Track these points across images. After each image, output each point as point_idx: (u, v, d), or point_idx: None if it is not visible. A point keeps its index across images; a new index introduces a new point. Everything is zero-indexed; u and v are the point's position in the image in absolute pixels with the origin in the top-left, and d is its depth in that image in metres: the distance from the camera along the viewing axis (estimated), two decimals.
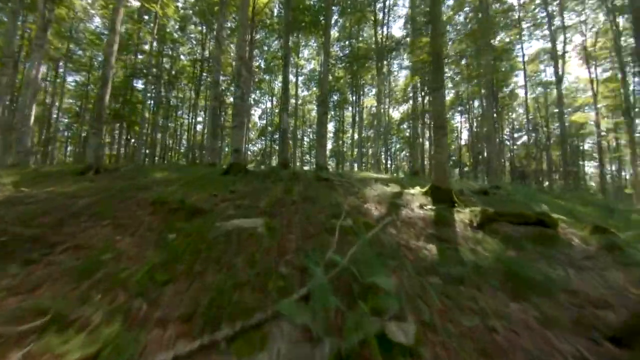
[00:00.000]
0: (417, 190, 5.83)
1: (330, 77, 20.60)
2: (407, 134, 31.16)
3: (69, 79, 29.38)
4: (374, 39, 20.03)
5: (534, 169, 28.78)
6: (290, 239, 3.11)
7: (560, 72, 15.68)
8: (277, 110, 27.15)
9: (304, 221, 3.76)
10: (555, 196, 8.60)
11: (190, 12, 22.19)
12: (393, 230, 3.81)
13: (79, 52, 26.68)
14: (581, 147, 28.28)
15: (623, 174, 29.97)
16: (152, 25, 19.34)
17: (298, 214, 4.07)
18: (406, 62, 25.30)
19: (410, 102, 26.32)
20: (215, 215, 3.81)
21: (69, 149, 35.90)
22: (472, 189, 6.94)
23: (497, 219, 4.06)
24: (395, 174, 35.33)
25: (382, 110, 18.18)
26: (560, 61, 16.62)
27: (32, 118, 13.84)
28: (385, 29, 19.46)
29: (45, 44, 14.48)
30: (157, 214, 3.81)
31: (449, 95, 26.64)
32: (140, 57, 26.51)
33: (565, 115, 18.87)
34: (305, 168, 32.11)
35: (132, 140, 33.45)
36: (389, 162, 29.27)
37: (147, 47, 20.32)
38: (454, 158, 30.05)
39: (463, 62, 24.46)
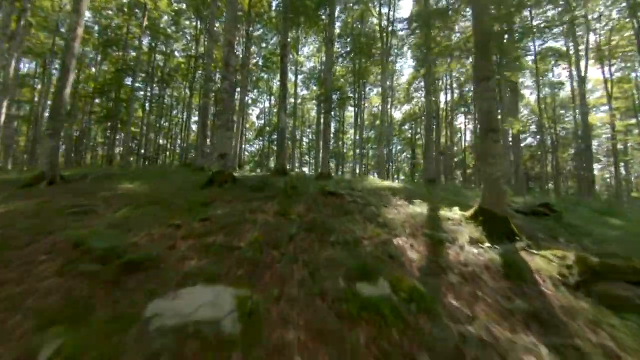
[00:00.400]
0: (457, 213, 4.31)
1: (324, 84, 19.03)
2: (409, 135, 29.73)
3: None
4: (377, 35, 18.49)
5: (539, 172, 27.43)
6: (285, 349, 1.58)
7: (583, 71, 14.22)
8: (275, 110, 25.56)
9: (309, 286, 2.22)
10: (601, 210, 7.11)
11: (184, 5, 20.49)
12: (452, 297, 2.30)
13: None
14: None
15: (630, 177, 28.60)
16: (142, 18, 17.66)
17: (298, 266, 2.54)
18: (411, 61, 23.83)
19: (422, 98, 24.87)
20: (162, 273, 2.27)
21: (63, 147, 34.09)
22: (516, 206, 5.43)
23: (606, 275, 2.55)
24: (395, 176, 33.78)
25: (386, 110, 16.67)
26: (582, 59, 15.10)
27: (2, 117, 12.20)
28: (390, 25, 17.85)
29: (18, 36, 12.83)
30: (69, 271, 2.26)
31: (454, 96, 25.18)
32: (133, 53, 24.91)
33: (578, 117, 17.47)
34: (305, 169, 30.55)
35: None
36: (390, 164, 27.78)
37: (138, 42, 18.60)
38: (456, 160, 28.62)
39: (469, 60, 23.03)
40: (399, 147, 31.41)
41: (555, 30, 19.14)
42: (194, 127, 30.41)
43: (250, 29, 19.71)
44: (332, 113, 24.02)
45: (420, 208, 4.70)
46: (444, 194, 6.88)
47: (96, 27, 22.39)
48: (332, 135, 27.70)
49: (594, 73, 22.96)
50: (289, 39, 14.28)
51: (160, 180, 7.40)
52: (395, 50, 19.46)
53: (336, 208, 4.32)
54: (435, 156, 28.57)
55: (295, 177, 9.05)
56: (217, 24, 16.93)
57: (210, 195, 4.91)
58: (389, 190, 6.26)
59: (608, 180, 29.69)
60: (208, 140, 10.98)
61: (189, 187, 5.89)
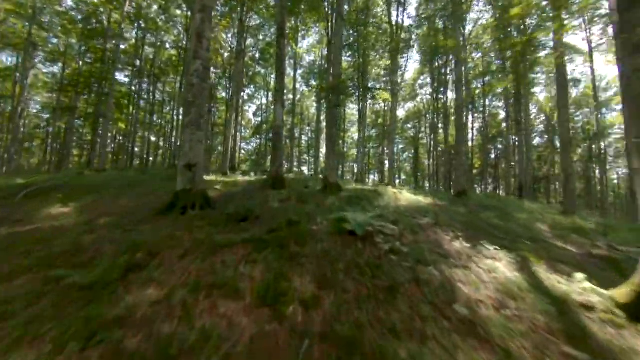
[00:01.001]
0: (585, 287, 2.36)
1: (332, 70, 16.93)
2: (412, 134, 27.82)
3: (45, 70, 25.47)
4: (385, 26, 16.43)
5: (545, 173, 25.66)
6: None
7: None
8: (272, 107, 23.45)
9: None
10: None
11: None
12: None
13: (54, 41, 22.63)
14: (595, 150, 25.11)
15: None
16: (124, 4, 15.39)
17: None
18: (417, 56, 21.73)
19: (427, 96, 22.84)
20: None
21: (54, 145, 31.70)
22: (622, 247, 3.52)
23: None
24: (397, 175, 31.71)
25: (395, 106, 14.73)
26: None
27: None
28: (399, 17, 15.74)
29: None
30: None
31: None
32: (122, 46, 22.79)
33: (600, 116, 15.70)
34: (304, 169, 28.47)
35: (119, 138, 29.63)
36: (393, 163, 25.80)
37: (119, 29, 16.32)
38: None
39: (478, 55, 21.09)
40: (400, 147, 29.44)
41: (576, 22, 17.19)
42: None
43: (246, 19, 17.52)
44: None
45: (502, 264, 2.75)
46: (495, 220, 4.93)
47: (79, 17, 20.08)
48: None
49: (610, 70, 21.08)
50: (287, 31, 12.23)
51: (115, 195, 5.39)
52: (402, 45, 17.32)
53: (370, 273, 2.34)
54: (437, 156, 26.63)
55: (295, 185, 7.07)
56: None
57: (159, 237, 2.91)
58: (429, 216, 4.31)
59: (615, 182, 28.01)
60: None
61: (140, 214, 3.90)
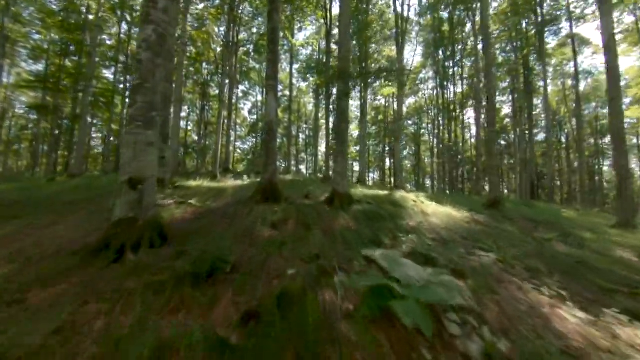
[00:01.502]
0: None
1: (332, 62, 15.52)
2: (413, 131, 26.47)
3: (27, 68, 23.72)
4: (389, 16, 14.97)
5: (550, 171, 24.36)
6: None
7: None
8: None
9: None
10: None
11: None
12: None
13: (36, 37, 20.88)
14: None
15: None
16: None
17: None
18: (419, 49, 20.28)
19: (429, 90, 21.46)
20: None
21: (42, 147, 29.84)
22: None
23: None
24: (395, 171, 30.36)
25: (402, 101, 13.36)
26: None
27: None
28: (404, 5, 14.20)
29: None
30: None
31: (464, 89, 21.73)
32: (109, 41, 21.28)
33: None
34: (302, 167, 27.03)
35: (110, 139, 27.99)
36: (391, 161, 24.47)
37: (96, 18, 14.68)
38: (460, 157, 25.28)
39: (480, 45, 19.63)
40: (401, 143, 28.05)
41: (588, 10, 15.86)
42: (182, 124, 26.42)
43: (238, 7, 15.94)
44: (332, 107, 20.40)
45: None
46: (564, 246, 3.56)
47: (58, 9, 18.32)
48: (331, 131, 24.08)
49: (623, 61, 19.77)
50: (280, 4, 10.84)
51: (56, 218, 3.95)
52: (408, 28, 15.84)
53: None
54: (441, 151, 25.27)
55: (292, 192, 5.68)
56: None
57: (46, 329, 1.50)
58: (487, 247, 2.93)
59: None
60: (170, 141, 7.44)
61: (59, 260, 2.47)
